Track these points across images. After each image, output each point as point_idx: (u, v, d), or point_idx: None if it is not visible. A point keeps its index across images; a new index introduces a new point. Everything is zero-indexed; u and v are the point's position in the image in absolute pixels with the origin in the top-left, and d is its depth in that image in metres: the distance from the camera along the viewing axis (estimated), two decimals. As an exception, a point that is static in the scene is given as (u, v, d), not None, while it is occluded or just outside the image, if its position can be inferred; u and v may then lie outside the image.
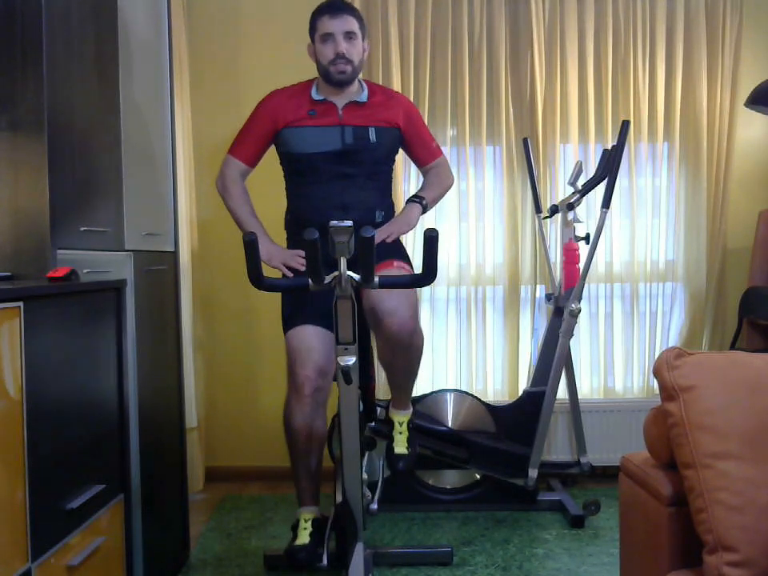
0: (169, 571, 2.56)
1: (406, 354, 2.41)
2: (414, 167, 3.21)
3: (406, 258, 2.60)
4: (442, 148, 3.52)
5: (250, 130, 2.55)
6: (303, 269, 2.26)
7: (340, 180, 2.47)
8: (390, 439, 2.57)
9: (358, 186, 2.49)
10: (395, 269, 2.42)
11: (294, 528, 2.44)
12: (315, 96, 2.49)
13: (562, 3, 3.53)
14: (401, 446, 2.54)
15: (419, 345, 2.46)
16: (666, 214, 3.64)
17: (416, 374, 2.57)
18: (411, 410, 2.65)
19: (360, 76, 2.59)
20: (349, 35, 2.43)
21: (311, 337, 2.39)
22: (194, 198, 3.46)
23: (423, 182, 2.71)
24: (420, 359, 2.51)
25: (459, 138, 3.57)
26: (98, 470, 1.82)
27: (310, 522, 2.40)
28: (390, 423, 2.61)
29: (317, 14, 2.47)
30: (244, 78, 3.60)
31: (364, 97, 2.51)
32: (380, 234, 2.38)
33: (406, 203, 2.62)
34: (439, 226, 3.45)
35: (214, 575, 2.65)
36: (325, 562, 2.34)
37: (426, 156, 2.68)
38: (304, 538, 2.37)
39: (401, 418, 2.60)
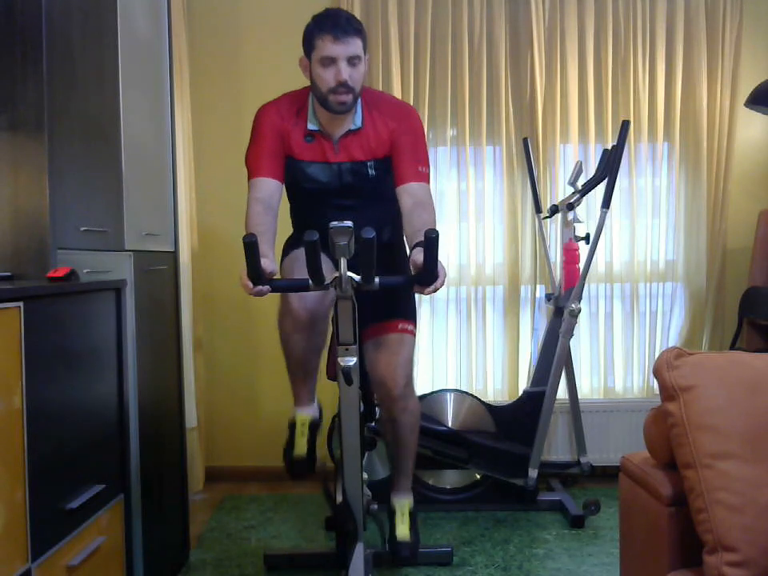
0: (169, 571, 2.56)
1: (401, 418, 2.39)
2: None
3: (413, 315, 2.46)
4: (442, 148, 3.58)
5: (261, 147, 2.26)
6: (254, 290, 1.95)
7: (339, 211, 2.27)
8: (392, 526, 2.47)
9: (359, 213, 2.24)
10: (398, 333, 2.36)
11: (291, 429, 2.33)
12: (311, 126, 2.27)
13: (561, 3, 3.53)
14: (403, 533, 2.42)
15: (414, 410, 2.43)
16: (666, 214, 3.64)
17: (413, 450, 2.50)
18: (412, 495, 2.54)
19: None
20: (353, 60, 2.13)
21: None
22: (193, 198, 3.46)
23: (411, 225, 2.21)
24: (417, 429, 2.48)
25: (459, 138, 3.57)
26: (97, 470, 1.82)
27: (307, 427, 2.31)
28: (390, 509, 2.53)
29: (317, 31, 2.14)
30: (244, 78, 3.61)
31: (358, 121, 2.26)
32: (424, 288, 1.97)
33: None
34: (439, 226, 3.36)
35: (214, 575, 2.65)
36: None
37: (402, 174, 2.24)
38: (302, 447, 2.27)
39: (403, 505, 2.50)
